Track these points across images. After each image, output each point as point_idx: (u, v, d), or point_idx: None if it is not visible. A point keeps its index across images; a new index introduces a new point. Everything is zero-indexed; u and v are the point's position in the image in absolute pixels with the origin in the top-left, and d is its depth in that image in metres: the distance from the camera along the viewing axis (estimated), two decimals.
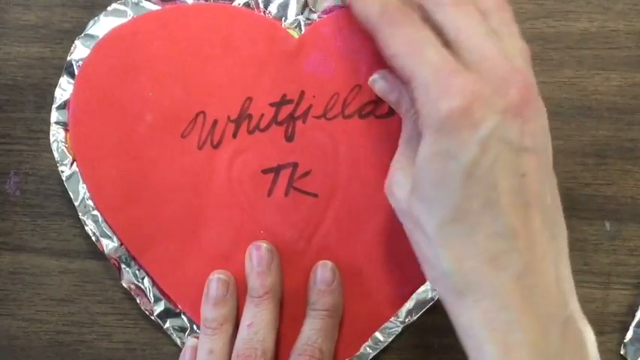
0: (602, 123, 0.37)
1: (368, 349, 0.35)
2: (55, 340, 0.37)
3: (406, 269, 0.34)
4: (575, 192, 0.37)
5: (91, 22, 0.35)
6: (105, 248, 0.35)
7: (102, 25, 0.35)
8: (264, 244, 0.34)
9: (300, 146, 0.35)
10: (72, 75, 0.35)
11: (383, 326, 0.35)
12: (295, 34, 0.35)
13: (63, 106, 0.35)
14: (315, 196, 0.35)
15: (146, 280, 0.35)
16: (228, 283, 0.34)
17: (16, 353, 0.37)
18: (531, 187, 0.26)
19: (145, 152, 0.35)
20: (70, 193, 0.35)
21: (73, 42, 0.35)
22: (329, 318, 0.34)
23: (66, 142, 0.35)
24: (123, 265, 0.35)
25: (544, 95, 0.37)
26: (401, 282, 0.35)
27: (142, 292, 0.35)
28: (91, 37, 0.35)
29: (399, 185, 0.29)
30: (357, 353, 0.35)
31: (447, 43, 0.28)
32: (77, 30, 0.36)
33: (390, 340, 0.35)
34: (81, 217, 0.35)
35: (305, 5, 0.35)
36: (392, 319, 0.35)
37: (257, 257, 0.34)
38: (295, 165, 0.35)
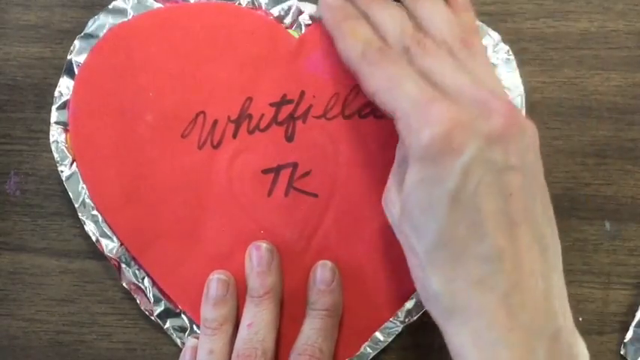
0: (602, 123, 0.37)
1: (368, 349, 0.35)
2: (55, 340, 0.37)
3: (406, 269, 0.34)
4: (575, 192, 0.37)
5: (91, 22, 0.35)
6: (105, 248, 0.35)
7: (102, 25, 0.35)
8: (264, 244, 0.34)
9: (300, 146, 0.35)
10: (72, 75, 0.35)
11: (383, 326, 0.35)
12: (295, 34, 0.35)
13: (63, 106, 0.35)
14: (315, 196, 0.35)
15: (146, 280, 0.35)
16: (228, 283, 0.34)
17: (16, 353, 0.37)
18: (518, 205, 0.27)
19: (145, 152, 0.35)
20: (70, 194, 0.35)
21: (73, 42, 0.35)
22: (329, 318, 0.34)
23: (66, 142, 0.35)
24: (123, 265, 0.35)
25: (544, 95, 0.37)
26: (401, 282, 0.35)
27: (142, 292, 0.35)
28: (91, 36, 0.35)
29: (392, 204, 0.30)
30: (357, 353, 0.35)
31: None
32: (77, 30, 0.36)
33: (390, 340, 0.35)
34: (81, 217, 0.35)
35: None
36: (392, 319, 0.35)
37: (257, 257, 0.34)
38: (295, 165, 0.35)
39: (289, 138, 0.35)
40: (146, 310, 0.36)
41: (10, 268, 0.37)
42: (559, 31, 0.37)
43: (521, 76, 0.36)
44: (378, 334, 0.35)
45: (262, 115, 0.35)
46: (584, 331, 0.36)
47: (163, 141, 0.35)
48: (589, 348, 0.36)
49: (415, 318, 0.35)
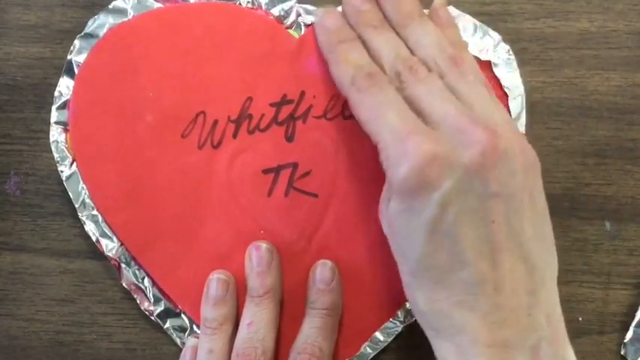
0: (602, 123, 0.37)
1: (368, 349, 0.35)
2: (55, 340, 0.37)
3: None
4: (575, 192, 0.37)
5: (91, 22, 0.35)
6: (105, 248, 0.35)
7: (102, 25, 0.35)
8: (263, 244, 0.34)
9: (301, 146, 0.35)
10: (72, 75, 0.35)
11: (383, 326, 0.35)
12: (296, 34, 0.35)
13: (63, 106, 0.35)
14: (315, 196, 0.35)
15: (146, 280, 0.35)
16: (228, 283, 0.34)
17: (16, 353, 0.37)
18: (501, 231, 0.27)
19: (145, 152, 0.35)
20: (70, 194, 0.35)
21: (73, 42, 0.35)
22: (328, 317, 0.34)
23: (66, 142, 0.35)
24: (123, 265, 0.35)
25: (544, 95, 0.37)
26: (401, 282, 0.34)
27: (142, 292, 0.35)
28: (91, 36, 0.35)
29: (384, 218, 0.30)
30: (357, 353, 0.35)
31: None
32: (77, 30, 0.36)
33: (390, 340, 0.35)
34: (81, 217, 0.35)
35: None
36: (392, 319, 0.35)
37: (257, 257, 0.34)
38: (295, 165, 0.35)
39: (289, 138, 0.35)
40: (146, 310, 0.36)
41: (10, 268, 0.37)
42: (559, 31, 0.37)
43: (521, 76, 0.36)
44: (378, 334, 0.35)
45: (262, 115, 0.35)
46: (584, 331, 0.36)
47: (163, 141, 0.35)
48: (589, 348, 0.36)
49: (415, 318, 0.35)
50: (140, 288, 0.35)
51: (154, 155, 0.35)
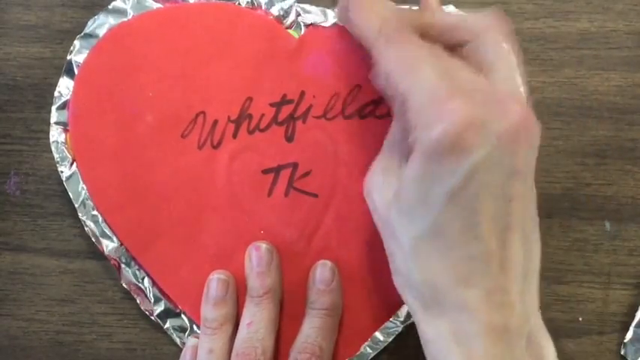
0: (602, 123, 0.37)
1: (368, 349, 0.35)
2: (55, 340, 0.37)
3: None
4: (575, 192, 0.37)
5: (91, 22, 0.35)
6: (105, 248, 0.35)
7: (102, 25, 0.35)
8: (263, 245, 0.34)
9: (300, 146, 0.35)
10: (72, 75, 0.35)
11: (383, 326, 0.35)
12: (295, 34, 0.35)
13: (63, 106, 0.35)
14: (315, 196, 0.35)
15: (146, 280, 0.35)
16: (228, 283, 0.34)
17: (16, 353, 0.37)
18: (516, 211, 0.26)
19: (145, 152, 0.35)
20: (70, 194, 0.35)
21: (73, 42, 0.35)
22: (328, 317, 0.34)
23: (66, 142, 0.35)
24: (123, 265, 0.35)
25: (544, 95, 0.37)
26: None
27: (142, 292, 0.35)
28: (91, 36, 0.35)
29: (378, 191, 0.29)
30: (357, 353, 0.35)
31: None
32: (77, 30, 0.36)
33: (390, 340, 0.35)
34: (81, 217, 0.35)
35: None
36: (392, 319, 0.35)
37: (257, 257, 0.34)
38: (295, 165, 0.35)
39: (289, 138, 0.35)
40: (146, 310, 0.36)
41: (10, 268, 0.37)
42: (559, 31, 0.37)
43: None
44: (378, 334, 0.35)
45: (262, 115, 0.35)
46: (584, 331, 0.36)
47: (163, 141, 0.35)
48: (589, 348, 0.36)
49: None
50: (140, 288, 0.35)
51: (154, 155, 0.35)
